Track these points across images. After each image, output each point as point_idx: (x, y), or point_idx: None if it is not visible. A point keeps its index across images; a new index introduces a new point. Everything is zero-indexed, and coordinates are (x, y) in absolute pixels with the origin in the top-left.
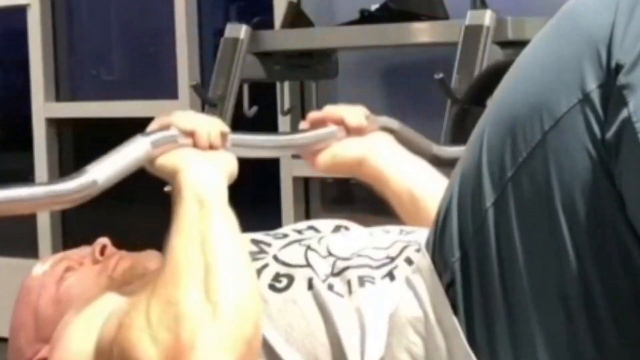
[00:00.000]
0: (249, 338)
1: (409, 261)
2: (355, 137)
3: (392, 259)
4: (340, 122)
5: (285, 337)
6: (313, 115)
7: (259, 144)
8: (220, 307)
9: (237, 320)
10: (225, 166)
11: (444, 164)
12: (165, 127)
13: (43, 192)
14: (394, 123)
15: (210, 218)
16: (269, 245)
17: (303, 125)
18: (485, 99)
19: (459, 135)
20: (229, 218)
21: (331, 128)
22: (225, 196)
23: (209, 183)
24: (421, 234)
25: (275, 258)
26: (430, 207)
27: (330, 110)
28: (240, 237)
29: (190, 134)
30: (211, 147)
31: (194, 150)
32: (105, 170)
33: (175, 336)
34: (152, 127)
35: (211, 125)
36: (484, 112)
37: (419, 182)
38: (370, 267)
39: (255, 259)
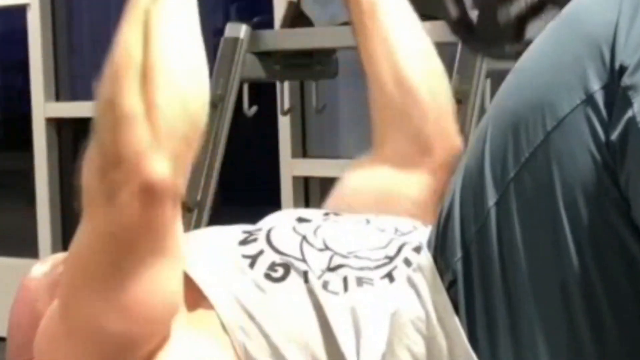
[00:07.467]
0: (186, 135)
1: (408, 262)
2: None
3: (391, 259)
4: None
5: (286, 335)
6: None
7: None
8: (154, 106)
9: (172, 119)
10: None
11: None
12: None
13: None
14: None
15: (160, 11)
16: (258, 229)
17: None
18: None
19: None
20: (185, 13)
21: None
22: None
23: None
24: (417, 235)
25: (270, 243)
26: (414, 88)
27: None
28: (195, 32)
29: None
30: None
31: None
32: None
33: (115, 136)
34: None
35: None
36: None
37: (404, 54)
38: (369, 268)
39: (247, 242)
